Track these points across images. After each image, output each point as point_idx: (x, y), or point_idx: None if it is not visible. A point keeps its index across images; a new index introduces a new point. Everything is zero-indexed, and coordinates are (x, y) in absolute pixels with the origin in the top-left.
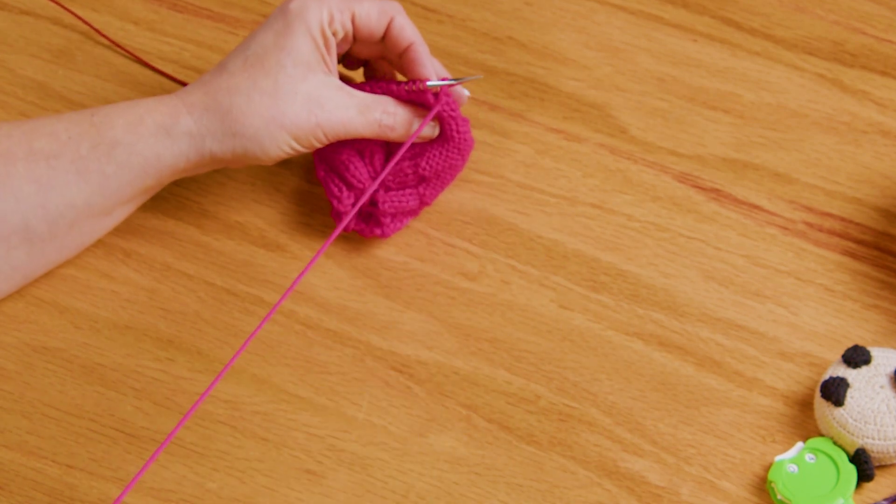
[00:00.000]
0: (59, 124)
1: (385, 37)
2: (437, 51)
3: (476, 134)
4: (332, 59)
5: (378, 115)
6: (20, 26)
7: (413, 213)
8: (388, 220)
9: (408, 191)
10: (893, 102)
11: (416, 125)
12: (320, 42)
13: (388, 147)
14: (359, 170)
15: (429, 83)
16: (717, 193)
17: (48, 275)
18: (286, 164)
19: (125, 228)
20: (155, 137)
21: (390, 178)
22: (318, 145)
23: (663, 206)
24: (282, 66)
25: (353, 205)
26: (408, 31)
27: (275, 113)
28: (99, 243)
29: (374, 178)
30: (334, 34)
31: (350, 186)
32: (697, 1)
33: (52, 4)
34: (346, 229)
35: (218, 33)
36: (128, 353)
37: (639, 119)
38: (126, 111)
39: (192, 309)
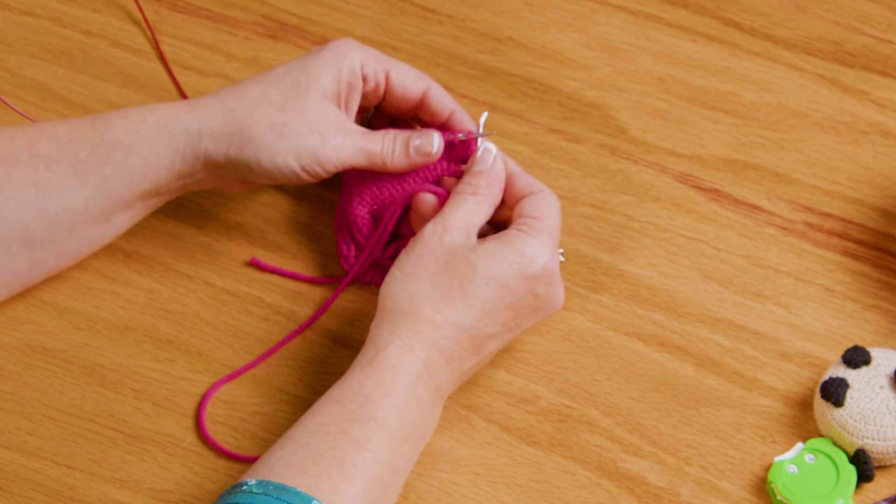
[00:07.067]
0: (61, 127)
1: (423, 106)
2: (437, 51)
3: None
4: (353, 103)
5: (379, 143)
6: (20, 26)
7: None
8: None
9: None
10: (893, 102)
11: (413, 153)
12: (344, 80)
13: (404, 214)
14: (372, 232)
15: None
16: (717, 194)
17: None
18: None
19: (125, 230)
20: (154, 135)
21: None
22: (321, 171)
23: (663, 207)
24: (297, 84)
25: (359, 264)
26: (446, 99)
27: (277, 123)
28: None
29: (385, 244)
30: (364, 80)
31: (360, 248)
32: (697, 1)
33: (53, 4)
34: (362, 282)
35: (218, 33)
36: (128, 353)
37: (639, 119)
38: (128, 112)
39: (192, 309)
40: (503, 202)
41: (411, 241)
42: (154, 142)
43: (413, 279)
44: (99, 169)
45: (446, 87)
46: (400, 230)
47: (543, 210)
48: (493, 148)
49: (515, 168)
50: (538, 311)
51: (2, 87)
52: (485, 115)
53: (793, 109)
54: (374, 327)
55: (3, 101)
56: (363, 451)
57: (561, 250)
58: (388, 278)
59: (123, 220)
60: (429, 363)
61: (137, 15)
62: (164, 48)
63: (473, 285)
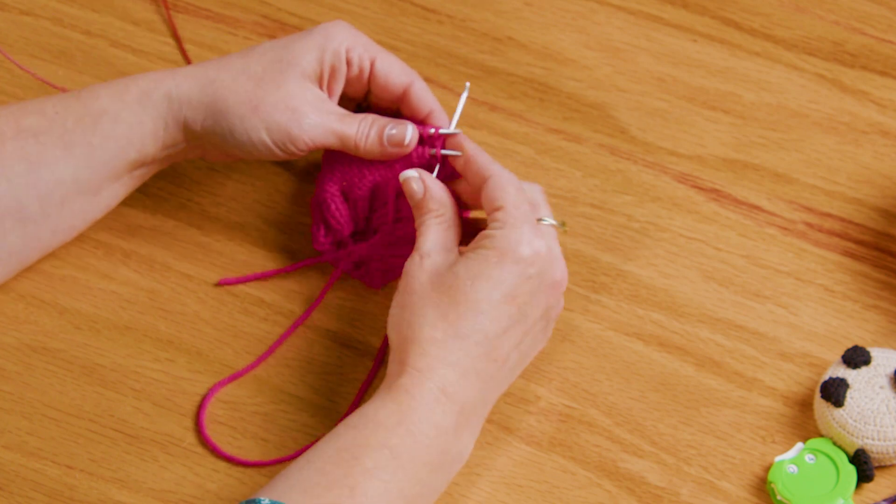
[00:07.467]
0: (48, 102)
1: (405, 100)
2: (437, 51)
3: (476, 135)
4: (336, 86)
5: (355, 126)
6: (20, 26)
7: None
8: (379, 275)
9: (401, 250)
10: (893, 102)
11: (386, 142)
12: (328, 62)
13: (373, 193)
14: (340, 212)
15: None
16: (717, 194)
17: (48, 275)
18: (286, 164)
19: (125, 229)
20: (139, 103)
21: (383, 240)
22: (294, 149)
23: (663, 206)
24: (278, 60)
25: (336, 252)
26: (429, 96)
27: (253, 97)
28: (99, 244)
29: (354, 222)
30: (348, 64)
31: (329, 227)
32: (697, 1)
33: (53, 4)
34: (337, 266)
35: (218, 33)
36: (128, 353)
37: (639, 119)
38: (113, 83)
39: (192, 309)
40: (468, 182)
41: (400, 281)
42: (138, 109)
43: (406, 309)
44: (86, 139)
45: (446, 87)
46: (371, 221)
47: (503, 197)
48: (414, 173)
49: (472, 147)
50: (540, 294)
51: (2, 87)
52: (467, 86)
53: (793, 109)
54: (390, 363)
55: (5, 55)
56: (374, 480)
57: (560, 221)
58: (388, 319)
59: (113, 193)
60: (444, 384)
61: (137, 15)
62: (164, 48)
63: (460, 292)
